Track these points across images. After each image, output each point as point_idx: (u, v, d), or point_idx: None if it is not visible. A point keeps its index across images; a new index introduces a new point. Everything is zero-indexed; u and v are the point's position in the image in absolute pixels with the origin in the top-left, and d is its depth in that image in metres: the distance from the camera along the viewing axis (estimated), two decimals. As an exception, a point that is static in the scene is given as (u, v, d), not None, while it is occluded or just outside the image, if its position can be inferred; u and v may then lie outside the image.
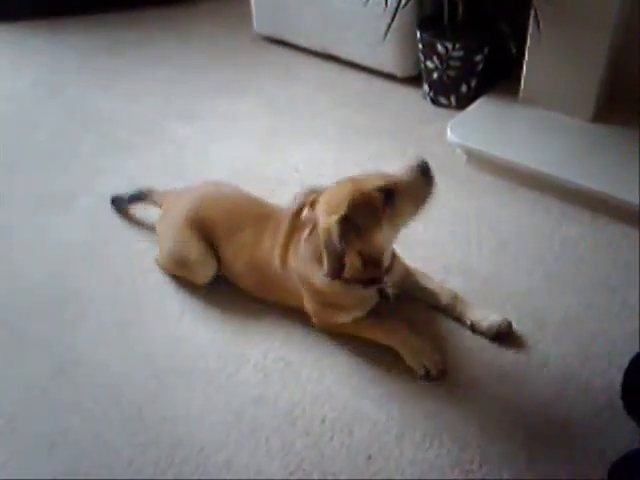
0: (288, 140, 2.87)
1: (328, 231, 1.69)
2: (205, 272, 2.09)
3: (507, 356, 1.92)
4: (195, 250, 2.05)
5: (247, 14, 3.55)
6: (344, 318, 1.92)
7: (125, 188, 2.56)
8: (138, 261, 2.29)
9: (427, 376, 1.84)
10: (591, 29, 2.45)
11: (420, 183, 1.79)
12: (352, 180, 1.79)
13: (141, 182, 2.61)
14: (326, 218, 1.73)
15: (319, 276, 1.82)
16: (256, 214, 2.06)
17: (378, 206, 1.73)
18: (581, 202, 2.40)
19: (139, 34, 3.72)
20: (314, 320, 1.96)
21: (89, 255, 2.34)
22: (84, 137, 2.97)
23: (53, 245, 2.39)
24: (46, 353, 2.02)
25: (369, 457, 1.70)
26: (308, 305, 1.94)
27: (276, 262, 1.94)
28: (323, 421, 1.78)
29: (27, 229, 2.48)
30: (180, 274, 2.14)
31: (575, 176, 2.40)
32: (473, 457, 1.68)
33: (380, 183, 1.74)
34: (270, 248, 1.96)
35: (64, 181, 2.70)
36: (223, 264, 2.08)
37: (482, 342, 1.96)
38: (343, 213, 1.69)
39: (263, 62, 3.42)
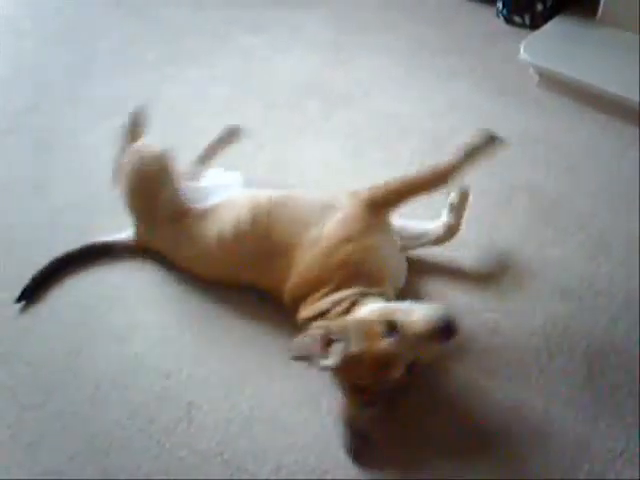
0: (355, 54, 2.82)
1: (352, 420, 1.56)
2: None
3: (570, 277, 1.91)
4: None
5: None
6: None
7: (189, 97, 2.56)
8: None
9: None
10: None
11: (435, 344, 1.50)
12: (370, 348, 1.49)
13: (205, 92, 2.61)
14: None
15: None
16: None
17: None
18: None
19: None
20: None
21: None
22: (150, 45, 2.97)
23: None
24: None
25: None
26: None
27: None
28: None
29: (92, 133, 2.51)
30: None
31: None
32: (532, 370, 1.69)
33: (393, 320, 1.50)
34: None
35: (130, 88, 2.71)
36: None
37: (544, 261, 1.94)
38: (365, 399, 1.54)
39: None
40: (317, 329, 1.54)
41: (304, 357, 1.52)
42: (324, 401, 1.68)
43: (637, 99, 2.33)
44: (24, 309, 1.96)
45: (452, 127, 2.40)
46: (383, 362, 1.47)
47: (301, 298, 1.72)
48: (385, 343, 1.47)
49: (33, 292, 1.99)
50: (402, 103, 2.54)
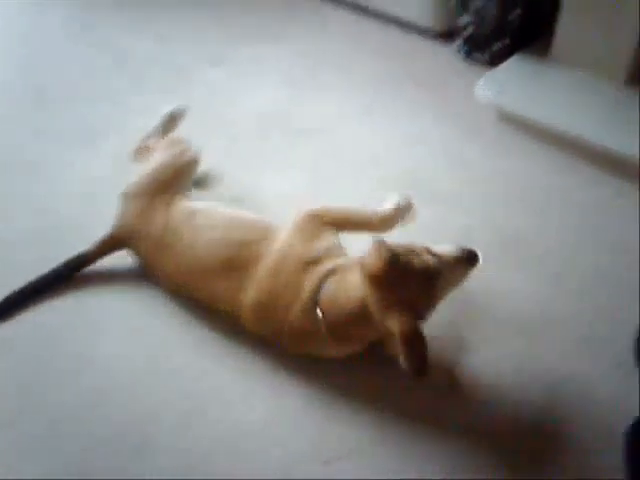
0: (318, 88, 2.87)
1: (415, 336, 1.57)
2: None
3: (528, 311, 1.96)
4: None
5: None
6: None
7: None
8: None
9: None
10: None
11: (463, 269, 1.71)
12: (416, 275, 1.62)
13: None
14: (401, 316, 1.59)
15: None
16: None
17: (433, 293, 1.65)
18: (610, 165, 2.40)
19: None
20: None
21: (115, 192, 2.36)
22: (113, 76, 2.97)
23: (81, 181, 2.41)
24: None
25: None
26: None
27: None
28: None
29: (54, 165, 2.50)
30: None
31: (605, 139, 2.39)
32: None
33: (431, 260, 1.65)
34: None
35: (94, 118, 2.72)
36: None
37: (502, 294, 1.99)
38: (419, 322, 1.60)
39: (296, 12, 3.39)
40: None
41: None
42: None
43: (591, 138, 2.40)
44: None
45: (413, 161, 2.46)
46: (429, 274, 1.62)
47: (265, 308, 1.77)
48: (429, 258, 1.64)
49: (4, 313, 1.97)
50: (365, 136, 2.58)
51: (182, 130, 2.61)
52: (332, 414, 1.73)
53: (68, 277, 2.05)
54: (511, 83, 2.69)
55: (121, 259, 2.07)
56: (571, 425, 1.70)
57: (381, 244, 1.59)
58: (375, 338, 1.73)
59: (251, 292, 1.79)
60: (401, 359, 1.57)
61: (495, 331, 1.90)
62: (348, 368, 1.81)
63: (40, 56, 3.15)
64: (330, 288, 1.71)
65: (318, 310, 1.70)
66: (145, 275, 2.04)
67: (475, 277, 1.83)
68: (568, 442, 1.67)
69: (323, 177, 2.39)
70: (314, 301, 1.71)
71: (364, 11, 3.32)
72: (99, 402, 1.78)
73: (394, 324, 1.58)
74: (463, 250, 1.70)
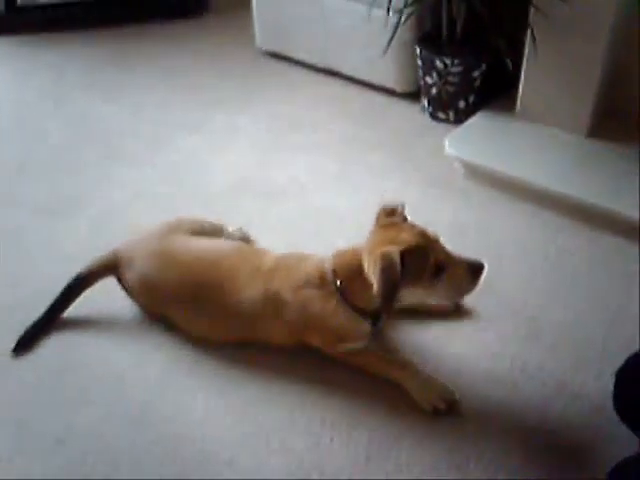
0: (289, 153, 2.92)
1: (390, 258, 1.68)
2: None
3: (503, 362, 1.97)
4: None
5: (250, 30, 3.61)
6: (347, 346, 1.93)
7: (129, 198, 2.63)
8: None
9: (436, 412, 1.83)
10: (586, 45, 2.52)
11: (469, 280, 1.82)
12: (419, 230, 1.79)
13: (146, 192, 2.67)
14: (382, 245, 1.73)
15: (329, 308, 1.86)
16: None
17: (429, 270, 1.75)
18: (577, 215, 2.45)
19: (145, 48, 3.79)
20: (323, 350, 1.96)
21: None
22: (89, 147, 3.02)
23: (58, 252, 2.43)
24: (52, 353, 2.06)
25: (368, 458, 1.74)
26: (311, 339, 1.94)
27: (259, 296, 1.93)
28: (323, 422, 1.82)
29: (32, 235, 2.52)
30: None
31: (570, 189, 2.45)
32: (469, 457, 1.72)
33: (441, 253, 1.78)
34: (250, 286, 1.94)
35: (69, 189, 2.75)
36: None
37: (478, 347, 2.01)
38: (407, 249, 1.70)
39: (265, 77, 3.49)
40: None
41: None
42: None
43: (558, 189, 2.46)
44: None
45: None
46: (427, 240, 1.77)
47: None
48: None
49: (30, 341, 2.08)
50: (336, 198, 2.63)
51: (158, 196, 2.66)
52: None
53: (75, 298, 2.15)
54: (477, 139, 2.76)
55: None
56: None
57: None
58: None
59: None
60: (374, 286, 1.69)
61: (470, 386, 1.92)
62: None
63: (17, 129, 3.20)
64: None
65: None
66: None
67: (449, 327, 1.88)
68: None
69: (294, 240, 2.41)
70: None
71: (329, 73, 3.41)
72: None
73: (376, 255, 1.70)
74: (473, 260, 1.83)
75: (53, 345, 2.09)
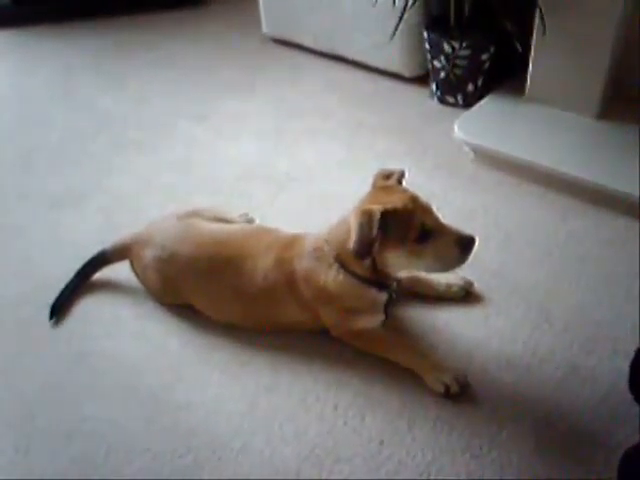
0: (296, 139, 2.91)
1: (370, 215, 1.71)
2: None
3: (515, 347, 1.96)
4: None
5: (256, 16, 3.60)
6: (361, 323, 1.94)
7: (137, 187, 2.63)
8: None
9: (447, 394, 1.83)
10: (595, 26, 2.49)
11: (456, 252, 1.81)
12: (410, 194, 1.81)
13: (153, 180, 2.67)
14: (369, 204, 1.77)
15: (331, 278, 1.87)
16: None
17: (413, 233, 1.76)
18: (585, 197, 2.44)
19: (149, 37, 3.78)
20: (333, 332, 1.97)
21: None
22: (96, 137, 3.02)
23: (65, 244, 2.43)
24: (64, 346, 2.07)
25: (381, 442, 1.74)
26: (324, 316, 1.95)
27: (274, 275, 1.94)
28: (336, 408, 1.82)
29: (41, 227, 2.52)
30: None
31: (580, 171, 2.44)
32: (482, 442, 1.72)
33: (430, 220, 1.79)
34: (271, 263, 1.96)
35: (77, 180, 2.75)
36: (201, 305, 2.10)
37: (489, 332, 2.00)
38: (390, 209, 1.72)
39: (271, 63, 3.48)
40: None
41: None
42: None
43: (566, 171, 2.45)
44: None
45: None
46: (415, 203, 1.78)
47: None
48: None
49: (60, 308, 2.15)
50: (344, 184, 2.61)
51: (166, 186, 2.66)
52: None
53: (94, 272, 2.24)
54: (486, 123, 2.75)
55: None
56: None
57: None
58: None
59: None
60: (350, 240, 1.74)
61: (482, 371, 1.91)
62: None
63: (23, 120, 3.20)
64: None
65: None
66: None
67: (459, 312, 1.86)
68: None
69: (301, 227, 2.39)
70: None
71: (336, 59, 3.39)
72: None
73: (358, 211, 1.75)
74: (464, 233, 1.82)
75: (65, 336, 2.10)
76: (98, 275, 2.25)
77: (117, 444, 1.79)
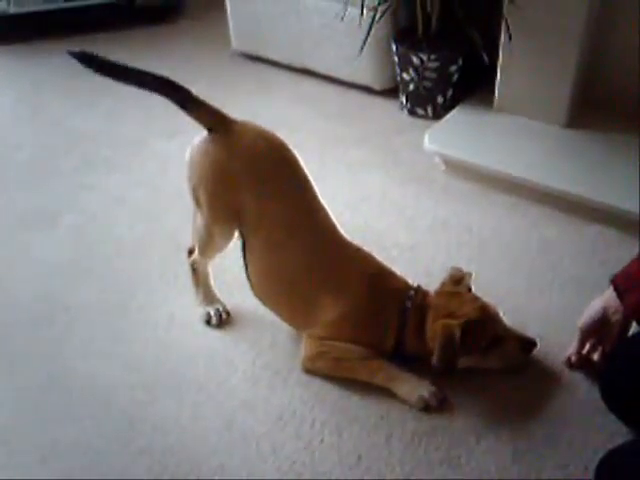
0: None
1: (451, 330, 1.75)
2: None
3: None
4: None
5: (225, 32, 3.60)
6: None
7: (108, 205, 2.60)
8: (124, 277, 2.32)
9: (427, 409, 1.83)
10: (561, 36, 2.53)
11: (521, 356, 1.90)
12: (480, 304, 1.86)
13: (124, 198, 2.65)
14: (445, 317, 1.80)
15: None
16: None
17: (484, 342, 1.82)
18: (557, 205, 2.46)
19: (119, 54, 3.66)
20: (303, 359, 1.94)
21: (73, 272, 2.35)
22: (67, 155, 2.99)
23: (37, 263, 2.40)
24: (35, 367, 2.03)
25: (359, 457, 1.73)
26: (307, 345, 1.94)
27: None
28: (313, 424, 1.81)
29: (10, 247, 2.49)
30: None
31: (549, 180, 2.46)
32: (460, 453, 1.72)
33: (499, 329, 1.86)
34: None
35: (47, 199, 2.72)
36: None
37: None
38: (466, 324, 1.76)
39: (241, 78, 3.47)
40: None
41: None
42: None
43: (537, 180, 2.47)
44: None
45: (367, 217, 2.49)
46: (487, 314, 1.85)
47: None
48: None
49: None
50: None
51: (137, 203, 2.64)
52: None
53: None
54: (457, 134, 2.77)
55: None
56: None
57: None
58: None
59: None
60: (433, 357, 1.76)
61: (459, 382, 1.91)
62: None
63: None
64: None
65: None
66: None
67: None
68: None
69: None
70: None
71: (306, 73, 3.40)
72: None
73: (438, 325, 1.77)
74: (527, 337, 1.90)
75: (36, 360, 2.07)
76: (73, 296, 2.22)
77: (92, 468, 1.76)
